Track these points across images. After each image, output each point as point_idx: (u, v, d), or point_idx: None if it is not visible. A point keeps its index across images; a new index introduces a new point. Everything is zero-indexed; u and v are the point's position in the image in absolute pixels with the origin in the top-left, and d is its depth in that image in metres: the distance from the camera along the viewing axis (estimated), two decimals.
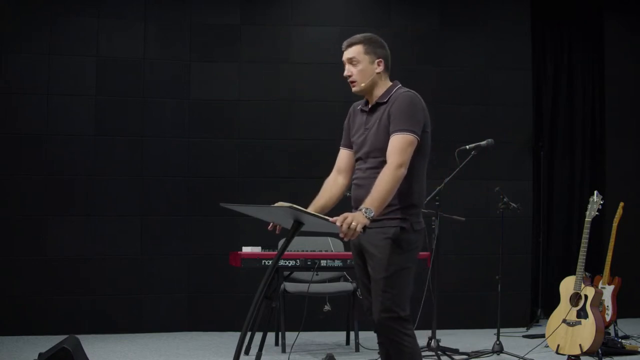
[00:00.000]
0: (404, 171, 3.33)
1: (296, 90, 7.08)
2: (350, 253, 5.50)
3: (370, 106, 3.56)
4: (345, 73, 3.57)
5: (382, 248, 3.39)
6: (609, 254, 6.19)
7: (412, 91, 3.52)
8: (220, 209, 3.63)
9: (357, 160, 3.60)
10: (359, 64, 3.52)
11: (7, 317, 6.46)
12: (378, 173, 3.36)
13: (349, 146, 3.66)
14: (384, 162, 3.39)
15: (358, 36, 3.57)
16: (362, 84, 3.53)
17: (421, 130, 3.43)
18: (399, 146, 3.35)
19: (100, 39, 6.81)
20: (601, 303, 5.91)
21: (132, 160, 6.84)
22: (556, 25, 7.92)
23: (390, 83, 3.58)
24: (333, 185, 3.65)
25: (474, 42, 7.29)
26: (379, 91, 3.54)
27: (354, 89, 3.57)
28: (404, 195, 3.40)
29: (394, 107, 3.44)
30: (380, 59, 3.54)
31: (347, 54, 3.55)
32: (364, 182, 3.47)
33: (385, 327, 3.38)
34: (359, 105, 3.65)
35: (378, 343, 3.56)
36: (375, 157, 3.47)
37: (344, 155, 3.69)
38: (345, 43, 3.57)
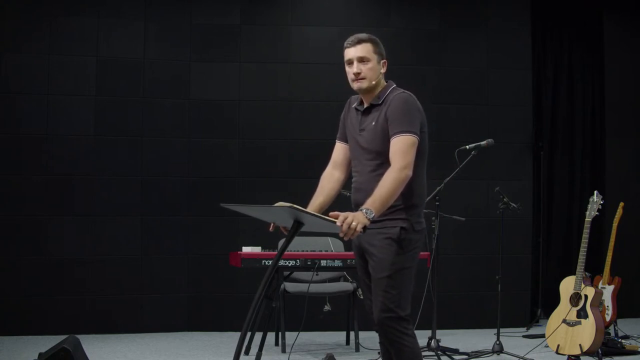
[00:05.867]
0: (408, 173, 3.33)
1: (296, 90, 7.08)
2: (351, 253, 5.57)
3: (364, 107, 3.55)
4: (355, 70, 3.51)
5: (383, 248, 3.40)
6: (609, 254, 6.19)
7: (407, 92, 3.52)
8: (220, 209, 3.63)
9: (353, 161, 3.60)
10: (369, 62, 3.50)
11: (7, 317, 6.46)
12: (378, 175, 3.37)
13: (345, 140, 3.66)
14: (381, 165, 3.39)
15: (365, 35, 3.55)
16: (372, 82, 3.51)
17: (419, 130, 3.43)
18: (402, 148, 3.35)
19: (100, 39, 6.81)
20: (601, 303, 5.91)
21: (132, 160, 6.84)
22: (556, 26, 7.92)
23: (385, 84, 3.58)
24: (330, 180, 3.65)
25: (474, 42, 7.29)
26: (376, 91, 3.54)
27: (361, 85, 3.51)
28: (405, 195, 3.40)
29: (390, 109, 3.43)
30: (384, 60, 3.55)
31: (358, 51, 3.51)
32: (364, 185, 3.47)
33: (385, 326, 3.38)
34: (354, 102, 3.64)
35: (379, 343, 3.57)
36: (372, 160, 3.47)
37: (340, 149, 3.69)
38: (353, 39, 3.53)
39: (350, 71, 3.53)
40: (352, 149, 3.58)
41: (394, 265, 3.38)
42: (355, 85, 3.55)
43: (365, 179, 3.49)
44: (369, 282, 3.51)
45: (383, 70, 3.54)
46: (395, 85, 3.57)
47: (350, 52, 3.53)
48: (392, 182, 3.29)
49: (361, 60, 3.51)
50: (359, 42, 3.52)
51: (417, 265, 3.50)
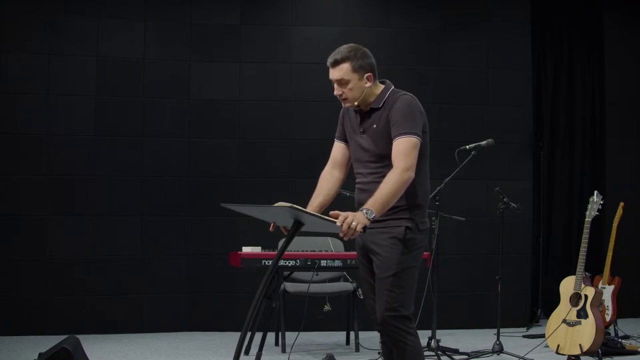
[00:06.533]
0: (411, 174, 3.33)
1: (296, 90, 7.08)
2: (351, 253, 5.58)
3: (364, 111, 3.53)
4: (336, 93, 3.49)
5: (387, 247, 3.41)
6: (609, 254, 6.19)
7: (409, 94, 3.50)
8: (220, 209, 3.63)
9: (354, 163, 3.59)
10: (349, 83, 3.44)
11: (7, 317, 6.46)
12: (381, 177, 3.36)
13: (344, 139, 3.65)
14: (384, 167, 3.39)
15: (343, 51, 3.46)
16: (356, 101, 3.48)
17: (421, 131, 3.43)
18: (404, 149, 3.35)
19: (100, 39, 6.81)
20: (601, 303, 5.91)
21: (132, 160, 6.84)
22: (556, 25, 7.92)
23: (382, 87, 3.53)
24: (329, 180, 3.64)
25: (474, 42, 7.29)
26: (371, 99, 3.50)
27: (346, 105, 3.52)
28: (409, 195, 3.41)
29: (392, 111, 3.42)
30: (369, 74, 3.46)
31: (334, 74, 3.46)
32: (368, 186, 3.46)
33: (388, 325, 3.39)
34: (351, 107, 3.62)
35: (381, 342, 3.57)
36: (374, 162, 3.47)
37: (339, 148, 3.67)
38: (330, 60, 3.47)
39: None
40: (354, 151, 3.58)
41: (399, 264, 3.38)
42: (343, 104, 3.55)
43: (368, 180, 3.48)
44: (372, 282, 3.51)
45: (368, 84, 3.46)
46: (394, 87, 3.54)
47: (330, 74, 3.49)
48: (394, 184, 3.29)
49: (339, 83, 3.47)
50: (335, 63, 3.45)
51: (420, 265, 3.51)
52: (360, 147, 3.52)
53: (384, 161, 3.42)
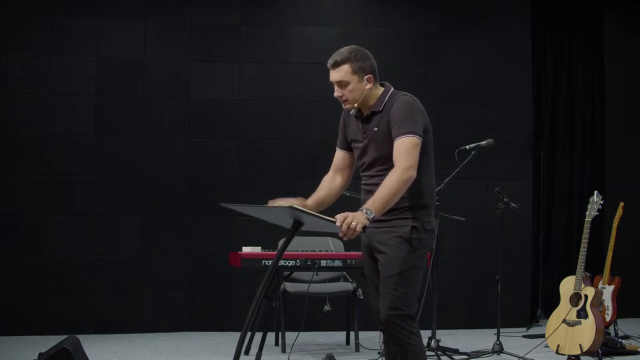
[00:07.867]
0: (412, 173, 3.33)
1: (296, 90, 7.08)
2: (351, 253, 5.59)
3: (365, 114, 3.54)
4: (336, 94, 3.50)
5: (393, 246, 3.41)
6: (609, 254, 6.19)
7: (409, 94, 3.51)
8: (220, 209, 3.63)
9: (360, 167, 3.59)
10: (349, 84, 3.45)
11: (7, 317, 6.46)
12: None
13: (345, 148, 3.66)
14: (389, 168, 3.38)
15: (343, 53, 3.47)
16: (356, 102, 3.48)
17: (422, 131, 3.43)
18: (405, 148, 3.35)
19: (100, 39, 6.81)
20: (601, 303, 5.91)
21: (132, 160, 6.84)
22: (556, 26, 7.92)
23: (382, 89, 3.54)
24: (330, 182, 3.66)
25: (474, 42, 7.29)
26: (371, 101, 3.51)
27: (346, 107, 3.53)
28: (414, 195, 3.42)
29: (393, 112, 3.43)
30: (369, 75, 3.47)
31: (334, 76, 3.47)
32: (373, 187, 3.45)
33: (391, 324, 3.39)
34: (352, 109, 3.62)
35: (383, 342, 3.58)
36: (380, 165, 3.48)
37: (340, 156, 3.69)
38: (330, 61, 3.48)
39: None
40: (359, 156, 3.58)
41: (405, 263, 3.39)
42: (343, 106, 3.55)
43: (374, 182, 3.48)
44: (377, 281, 3.51)
45: (369, 86, 3.47)
46: (393, 89, 3.54)
47: (330, 76, 3.50)
48: (395, 183, 3.29)
49: (339, 84, 3.48)
50: (335, 64, 3.46)
51: (425, 265, 3.52)
52: (365, 151, 3.53)
53: (388, 163, 3.42)
